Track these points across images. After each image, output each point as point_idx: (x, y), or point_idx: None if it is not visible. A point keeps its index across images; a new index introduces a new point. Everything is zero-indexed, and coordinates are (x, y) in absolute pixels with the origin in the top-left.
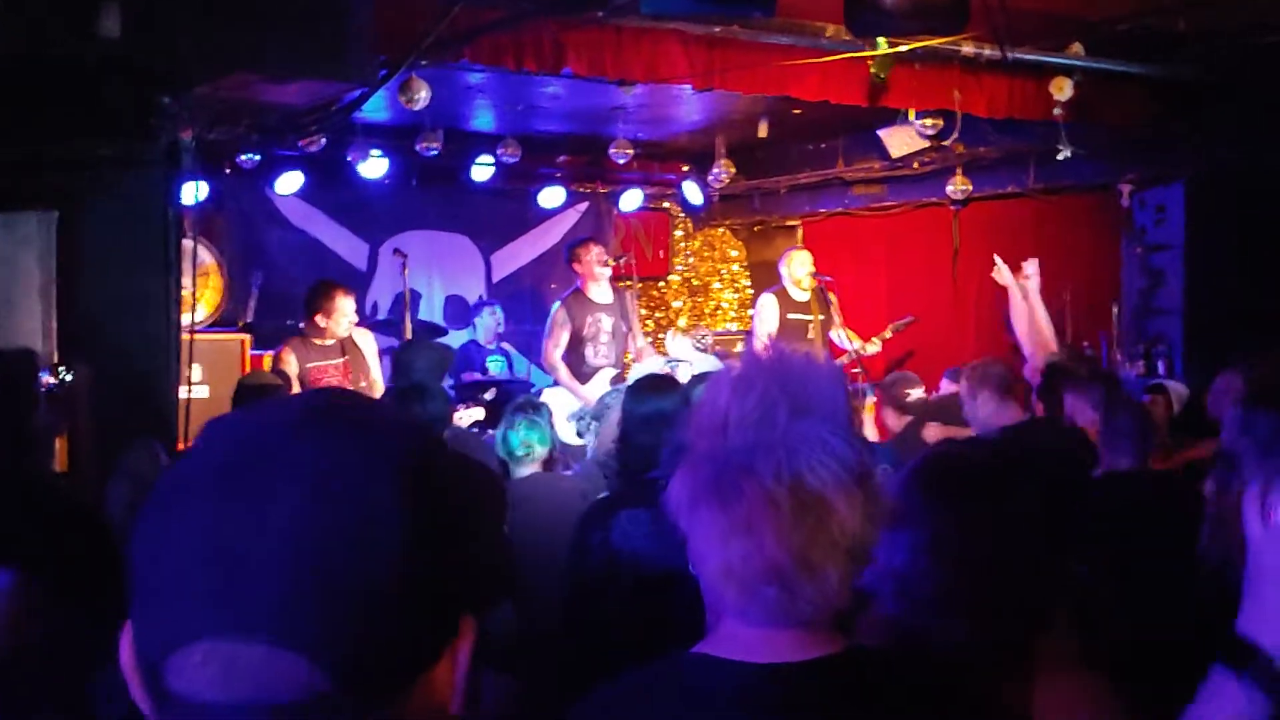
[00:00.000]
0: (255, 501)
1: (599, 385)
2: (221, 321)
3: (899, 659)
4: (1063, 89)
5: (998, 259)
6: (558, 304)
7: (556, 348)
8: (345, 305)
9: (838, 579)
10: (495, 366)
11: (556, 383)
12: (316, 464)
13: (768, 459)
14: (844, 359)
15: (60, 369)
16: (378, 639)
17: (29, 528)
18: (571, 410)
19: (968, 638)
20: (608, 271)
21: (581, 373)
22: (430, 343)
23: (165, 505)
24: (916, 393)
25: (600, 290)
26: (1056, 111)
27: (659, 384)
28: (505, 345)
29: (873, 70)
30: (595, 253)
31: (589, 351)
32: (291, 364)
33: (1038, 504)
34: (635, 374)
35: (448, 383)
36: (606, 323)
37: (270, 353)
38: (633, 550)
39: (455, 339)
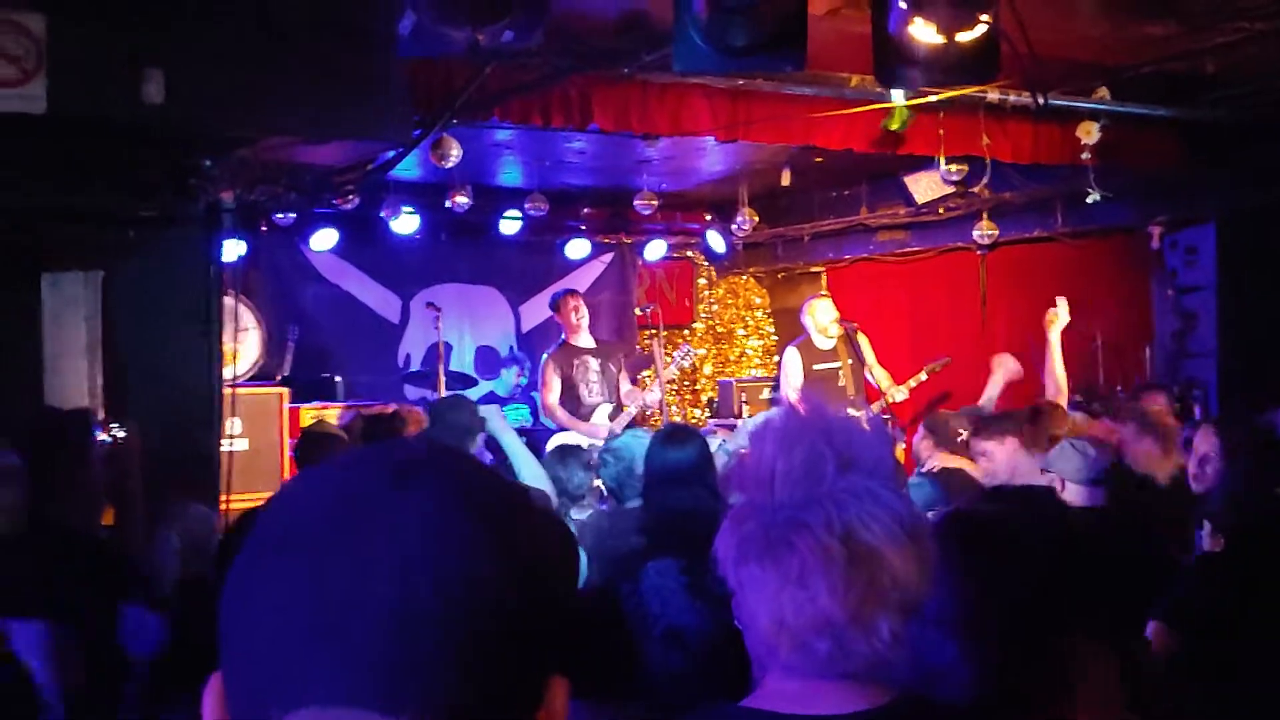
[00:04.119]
0: (358, 560)
1: (599, 419)
2: (259, 376)
3: (949, 709)
4: (1090, 133)
5: (1060, 301)
6: (545, 356)
7: (551, 394)
8: None
9: (889, 632)
10: (516, 415)
11: (560, 428)
12: (420, 521)
13: (818, 512)
14: (881, 401)
15: (112, 426)
16: (481, 703)
17: (60, 578)
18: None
19: (980, 701)
20: (585, 319)
21: (580, 412)
22: (463, 405)
23: (262, 560)
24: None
25: (583, 338)
26: (1085, 156)
27: (681, 435)
28: (534, 394)
29: (891, 125)
30: (572, 304)
31: (583, 391)
32: None
33: (1053, 566)
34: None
35: None
36: (593, 363)
37: (311, 405)
38: (662, 601)
39: (485, 389)
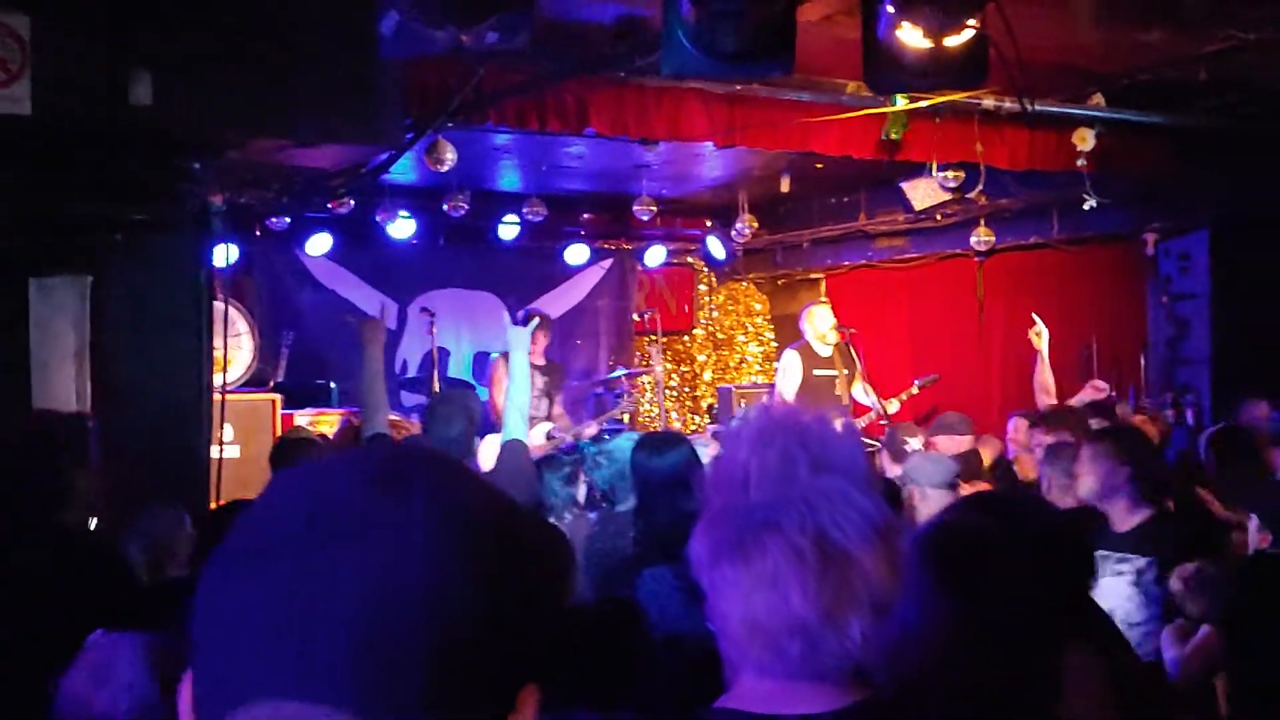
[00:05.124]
0: (324, 562)
1: (536, 435)
2: (252, 381)
3: (920, 709)
4: (1085, 140)
5: (1037, 317)
6: (495, 356)
7: (500, 394)
8: None
9: (860, 632)
10: None
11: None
12: (388, 526)
13: (791, 513)
14: (868, 417)
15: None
16: (442, 707)
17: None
18: None
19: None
20: (544, 344)
21: None
22: (461, 398)
23: (235, 559)
24: (915, 443)
25: (536, 356)
26: (1080, 162)
27: (663, 442)
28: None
29: (888, 133)
30: (541, 334)
31: None
32: None
33: (1038, 579)
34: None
35: None
36: (538, 379)
37: (304, 412)
38: (659, 608)
39: (483, 396)
